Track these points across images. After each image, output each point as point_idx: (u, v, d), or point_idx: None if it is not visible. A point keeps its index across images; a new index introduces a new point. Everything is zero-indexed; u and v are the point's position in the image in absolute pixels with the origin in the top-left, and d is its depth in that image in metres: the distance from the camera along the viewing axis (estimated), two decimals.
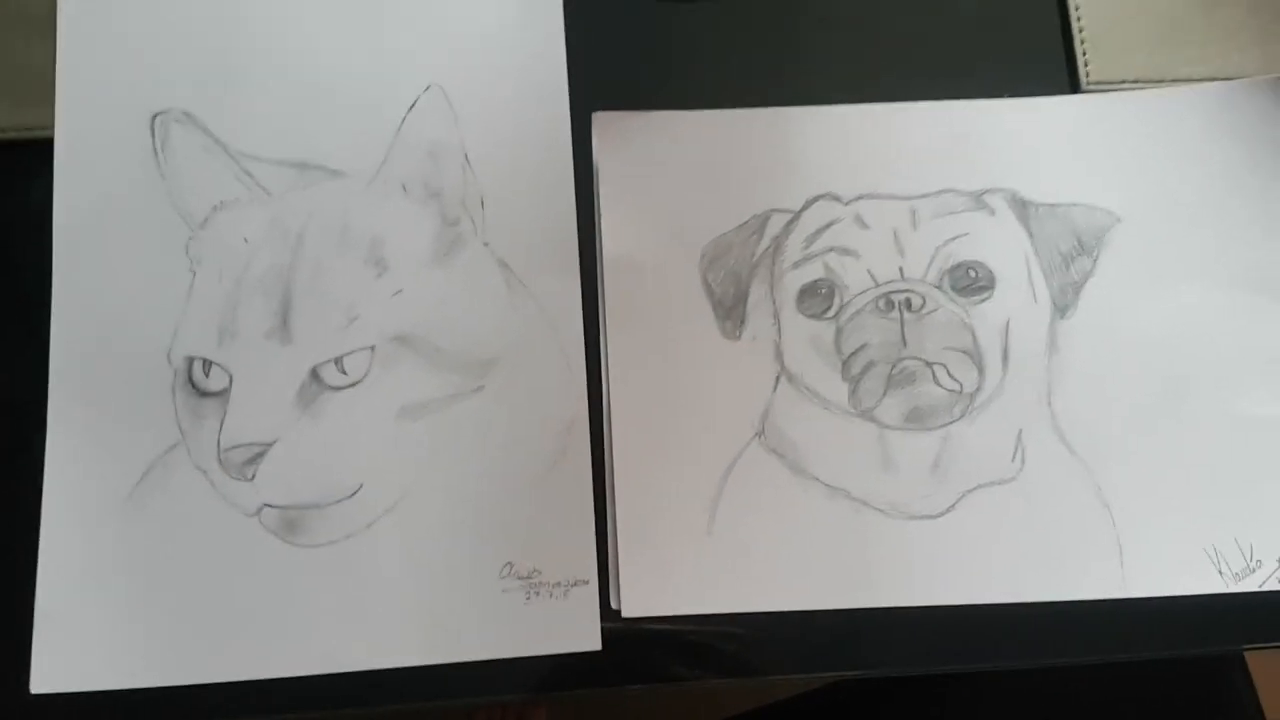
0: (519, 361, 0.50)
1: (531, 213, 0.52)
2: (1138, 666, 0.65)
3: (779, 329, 0.51)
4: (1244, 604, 0.48)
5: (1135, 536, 0.48)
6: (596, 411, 0.50)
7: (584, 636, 0.48)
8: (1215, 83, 0.53)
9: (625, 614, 0.48)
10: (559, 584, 0.48)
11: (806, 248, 0.51)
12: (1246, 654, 0.67)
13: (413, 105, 0.52)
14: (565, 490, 0.49)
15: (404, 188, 0.51)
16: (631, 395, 0.50)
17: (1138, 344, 0.50)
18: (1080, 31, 0.54)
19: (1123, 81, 0.53)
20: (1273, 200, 0.51)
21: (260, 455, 0.48)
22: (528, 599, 0.48)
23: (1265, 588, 0.48)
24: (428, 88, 0.52)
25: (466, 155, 0.52)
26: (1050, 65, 0.54)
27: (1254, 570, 0.48)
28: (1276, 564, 0.49)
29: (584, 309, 0.51)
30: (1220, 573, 0.48)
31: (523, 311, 0.51)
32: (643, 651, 0.49)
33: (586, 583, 0.48)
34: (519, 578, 0.48)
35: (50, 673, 0.47)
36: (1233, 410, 0.50)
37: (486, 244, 0.51)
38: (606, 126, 0.53)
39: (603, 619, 0.48)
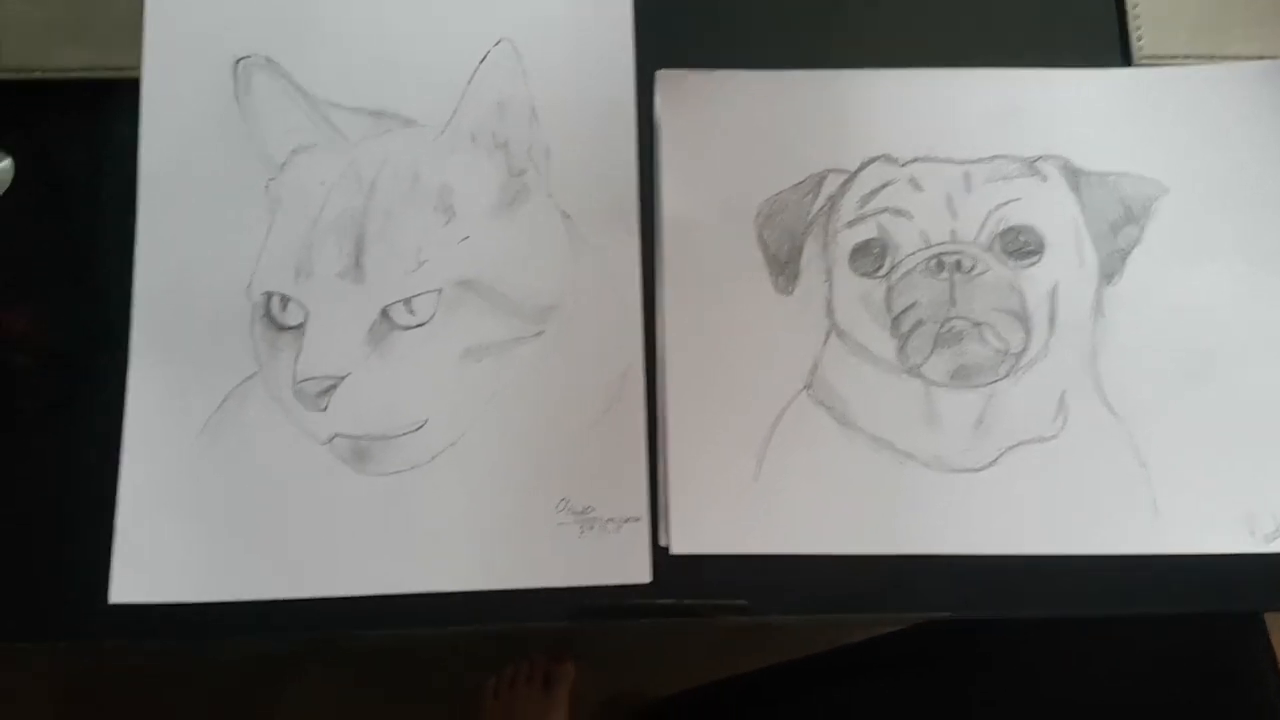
0: (578, 309, 0.52)
1: (594, 166, 0.54)
2: (1158, 631, 0.67)
3: (831, 286, 0.53)
4: (1274, 565, 0.50)
5: (1170, 495, 0.50)
6: (651, 359, 0.52)
7: (635, 569, 0.50)
8: (1265, 60, 0.54)
9: (674, 551, 0.50)
10: (612, 520, 0.50)
11: (861, 208, 0.53)
12: (1268, 621, 0.68)
13: (484, 58, 0.54)
14: (619, 433, 0.51)
15: (473, 138, 0.53)
16: (686, 347, 0.52)
17: (1181, 311, 0.51)
18: (1134, 6, 0.55)
19: (1174, 57, 0.54)
20: None
21: (333, 388, 0.51)
22: (581, 533, 0.50)
23: None
24: (498, 42, 0.54)
25: (534, 108, 0.54)
26: (1104, 39, 0.55)
27: None
28: None
29: (642, 261, 0.53)
30: (1251, 533, 0.50)
31: (583, 261, 0.53)
32: (689, 588, 0.51)
33: (638, 519, 0.50)
34: (574, 513, 0.50)
35: (128, 584, 0.50)
36: (1269, 381, 0.51)
37: (550, 195, 0.53)
38: (669, 85, 0.54)
39: (652, 555, 0.50)
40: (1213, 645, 0.67)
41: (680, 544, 0.51)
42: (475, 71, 0.54)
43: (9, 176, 0.54)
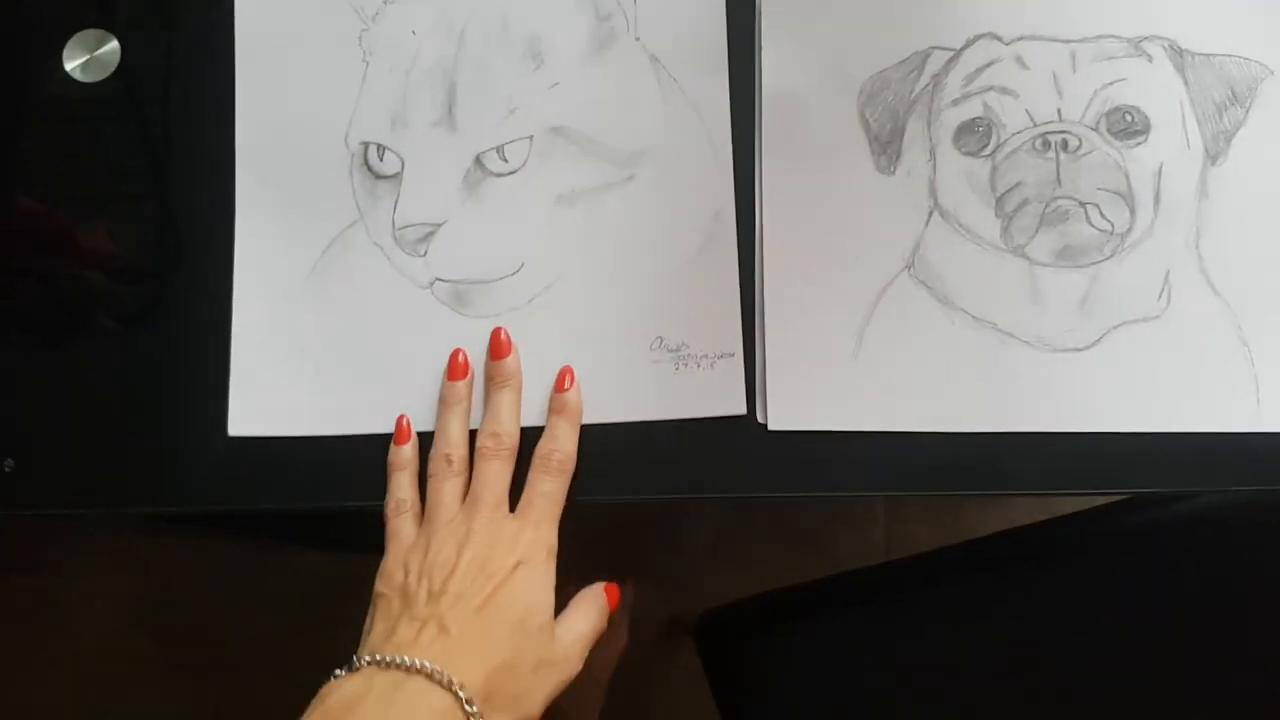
0: (668, 153, 0.53)
1: (681, 8, 0.53)
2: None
3: (934, 165, 0.52)
4: None
5: (1272, 374, 0.50)
6: (743, 202, 0.52)
7: (730, 402, 0.51)
8: None
9: (772, 428, 0.51)
10: (706, 356, 0.51)
11: (966, 86, 0.52)
12: None
13: None
14: (712, 273, 0.52)
15: None
16: (785, 223, 0.52)
17: None
18: None
19: None
20: None
21: (431, 234, 0.52)
22: (677, 369, 0.51)
23: None
24: None
25: None
26: None
27: None
28: None
29: (733, 105, 0.53)
30: None
31: (672, 105, 0.53)
32: (787, 466, 0.51)
33: (732, 355, 0.51)
34: (669, 350, 0.51)
35: (244, 418, 0.52)
36: None
37: (638, 39, 0.53)
38: None
39: (751, 435, 0.50)
40: None
41: (779, 420, 0.51)
42: None
43: (116, 58, 0.54)
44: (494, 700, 0.44)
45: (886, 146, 0.52)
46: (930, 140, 0.52)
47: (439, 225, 0.52)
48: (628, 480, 0.51)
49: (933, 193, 0.52)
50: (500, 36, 0.53)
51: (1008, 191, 0.51)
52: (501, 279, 0.52)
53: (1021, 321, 0.51)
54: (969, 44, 0.53)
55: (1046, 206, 0.51)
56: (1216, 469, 0.50)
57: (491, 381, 0.51)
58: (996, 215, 0.51)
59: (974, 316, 0.51)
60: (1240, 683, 0.66)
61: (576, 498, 0.50)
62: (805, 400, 0.51)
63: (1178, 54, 0.52)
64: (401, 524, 0.50)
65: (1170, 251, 0.51)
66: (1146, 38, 0.52)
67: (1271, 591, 0.67)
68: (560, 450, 0.50)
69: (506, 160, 0.52)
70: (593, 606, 0.50)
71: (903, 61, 0.53)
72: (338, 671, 0.44)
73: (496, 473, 0.49)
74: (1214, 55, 0.52)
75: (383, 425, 0.51)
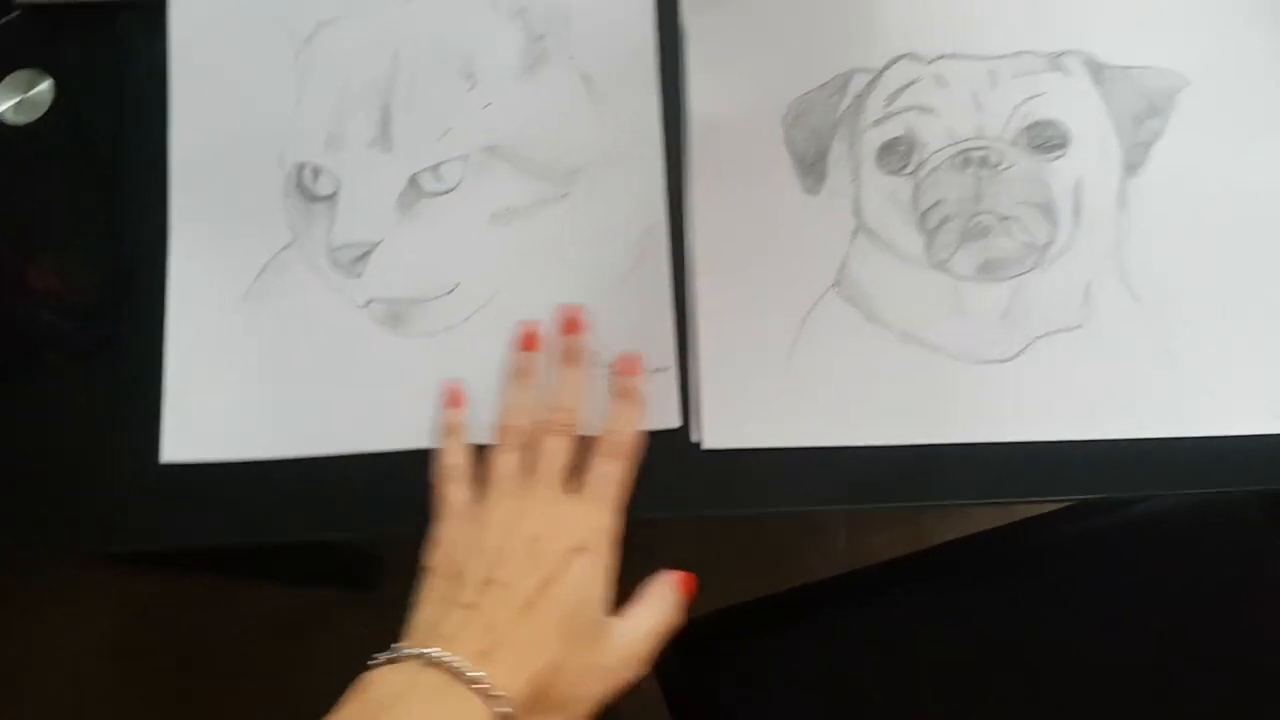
0: (601, 170, 0.54)
1: (612, 28, 0.55)
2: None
3: (858, 185, 0.53)
4: None
5: (1194, 379, 0.51)
6: (675, 219, 0.53)
7: (665, 416, 0.52)
8: None
9: (706, 446, 0.51)
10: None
11: (887, 106, 0.53)
12: None
13: None
14: (646, 288, 0.53)
15: (493, 5, 0.55)
16: (715, 245, 0.53)
17: (1203, 200, 0.52)
18: None
19: None
20: None
21: (367, 254, 0.53)
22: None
23: None
24: None
25: None
26: None
27: None
28: None
29: (665, 124, 0.54)
30: (1276, 415, 0.51)
31: (605, 123, 0.54)
32: (722, 485, 0.52)
33: (667, 369, 0.52)
34: (603, 366, 0.52)
35: (177, 445, 0.52)
36: None
37: (571, 58, 0.55)
38: None
39: (685, 455, 0.51)
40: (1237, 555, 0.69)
41: (713, 438, 0.52)
42: None
43: (49, 97, 0.55)
44: (536, 707, 0.43)
45: (812, 167, 0.54)
46: (854, 160, 0.53)
47: (375, 245, 0.53)
48: None
49: (858, 211, 0.53)
50: (434, 57, 0.54)
51: (930, 208, 0.52)
52: (438, 298, 0.53)
53: (947, 335, 0.52)
54: (889, 65, 0.54)
55: (968, 222, 0.52)
56: (1143, 474, 0.51)
57: (562, 356, 0.51)
58: (920, 232, 0.52)
59: (901, 332, 0.52)
60: (1193, 680, 0.66)
61: None
62: (738, 417, 0.52)
63: (1095, 68, 0.53)
64: (453, 490, 0.49)
65: (1091, 262, 0.52)
66: (1064, 52, 0.53)
67: (1209, 590, 0.67)
68: (623, 434, 0.49)
69: (441, 180, 0.53)
70: (661, 599, 0.47)
71: (825, 84, 0.54)
72: (377, 656, 0.43)
73: (558, 448, 0.49)
74: (1131, 68, 0.53)
75: (318, 448, 0.52)
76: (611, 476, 0.48)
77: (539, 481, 0.48)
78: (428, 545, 0.48)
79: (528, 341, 0.52)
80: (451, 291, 0.53)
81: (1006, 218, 0.52)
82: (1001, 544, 0.74)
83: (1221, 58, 0.53)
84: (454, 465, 0.50)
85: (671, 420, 0.52)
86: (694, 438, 0.52)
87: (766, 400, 0.52)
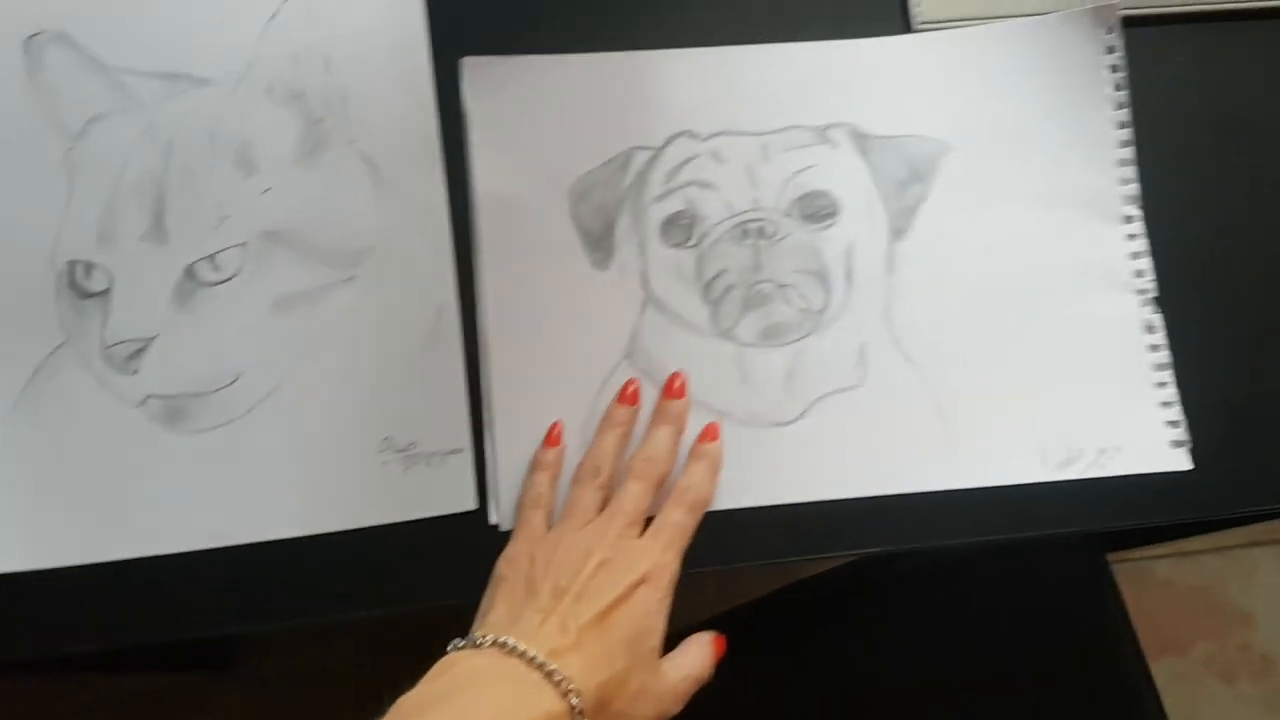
0: (388, 252, 0.54)
1: (393, 110, 0.55)
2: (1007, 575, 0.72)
3: (644, 258, 0.55)
4: (1067, 491, 0.54)
5: (965, 432, 0.54)
6: (465, 297, 0.54)
7: (461, 498, 0.52)
8: (1033, 16, 0.58)
9: (506, 528, 0.52)
10: (435, 453, 0.53)
11: (668, 182, 0.55)
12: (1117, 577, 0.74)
13: (274, 15, 0.55)
14: (437, 368, 0.53)
15: (268, 91, 0.55)
16: (506, 324, 0.54)
17: (966, 261, 0.55)
18: None
19: (950, 20, 0.58)
20: (1085, 124, 0.57)
21: (143, 350, 0.52)
22: (406, 469, 0.52)
23: (1085, 475, 0.54)
24: None
25: (327, 58, 0.55)
26: (885, 7, 0.58)
27: (1074, 460, 0.54)
28: (1096, 454, 0.54)
29: (452, 203, 0.55)
30: (1044, 463, 0.54)
31: (389, 204, 0.55)
32: None
33: (461, 451, 0.53)
34: (397, 450, 0.52)
35: None
36: (1051, 315, 0.55)
37: (351, 141, 0.55)
38: (476, 72, 0.56)
39: (483, 537, 0.52)
40: (1062, 585, 0.73)
41: (511, 521, 0.52)
42: (266, 27, 0.55)
43: None
44: (600, 714, 0.45)
45: (599, 243, 0.55)
46: (639, 235, 0.55)
47: (151, 340, 0.52)
48: (363, 593, 0.52)
49: (645, 284, 0.55)
50: (208, 145, 0.54)
51: (713, 279, 0.54)
52: (218, 390, 0.52)
53: (735, 401, 0.54)
54: (668, 142, 0.56)
55: (749, 291, 0.54)
56: (920, 527, 0.53)
57: (658, 415, 0.53)
58: (704, 302, 0.54)
59: (691, 399, 0.54)
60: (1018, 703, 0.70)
61: (298, 619, 0.51)
62: None
63: (860, 138, 0.56)
64: (534, 515, 0.51)
65: (864, 324, 0.54)
66: (831, 125, 0.56)
67: (1036, 621, 0.71)
68: (697, 489, 0.51)
69: (219, 269, 0.53)
70: (704, 651, 0.50)
71: (608, 161, 0.55)
72: (458, 642, 0.45)
73: (640, 492, 0.51)
74: (894, 137, 0.56)
75: (98, 554, 0.51)
76: (681, 525, 0.50)
77: (615, 517, 0.50)
78: (502, 558, 0.50)
79: (624, 397, 0.53)
80: (233, 383, 0.52)
81: (784, 285, 0.54)
82: (847, 580, 0.76)
83: (978, 125, 0.57)
84: (539, 494, 0.52)
85: (467, 503, 0.52)
86: (492, 520, 0.53)
87: (564, 478, 0.53)
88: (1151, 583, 1.27)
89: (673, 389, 0.53)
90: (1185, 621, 1.26)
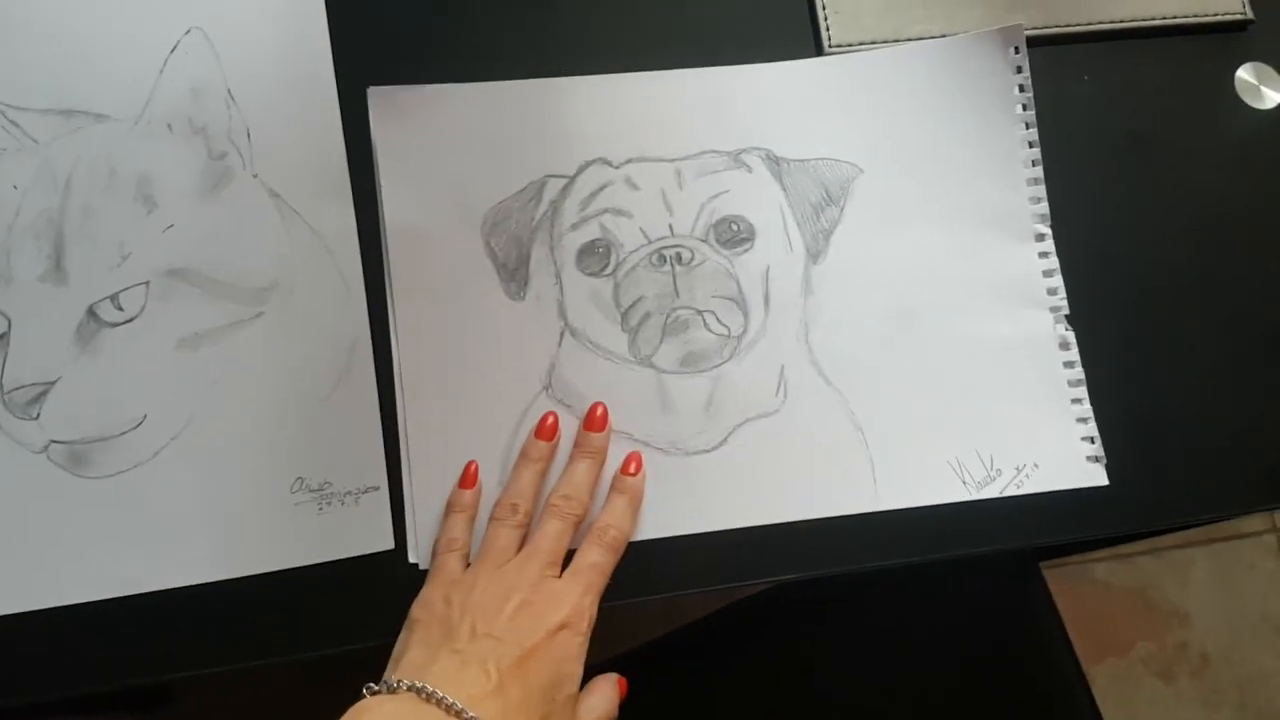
0: (297, 287, 0.53)
1: (298, 143, 0.54)
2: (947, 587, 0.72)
3: (561, 288, 0.54)
4: (986, 510, 0.54)
5: (886, 455, 0.54)
6: (378, 331, 0.53)
7: (378, 538, 0.51)
8: (940, 39, 0.58)
9: (424, 567, 0.51)
10: (350, 492, 0.51)
11: (582, 210, 0.55)
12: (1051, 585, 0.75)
13: (174, 48, 0.54)
14: (351, 406, 0.52)
15: (169, 126, 0.53)
16: (421, 357, 0.53)
17: (881, 281, 0.55)
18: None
19: (861, 43, 0.58)
20: (995, 144, 0.57)
21: (44, 394, 0.50)
22: (320, 509, 0.51)
23: (1005, 494, 0.54)
24: (189, 30, 0.54)
25: (230, 91, 0.54)
26: (796, 31, 0.58)
27: (994, 479, 0.55)
28: (1014, 471, 0.55)
29: (362, 236, 0.54)
30: (964, 483, 0.54)
31: (297, 238, 0.54)
32: None
33: (377, 489, 0.52)
34: (310, 490, 0.51)
35: None
36: (967, 335, 0.55)
37: (256, 175, 0.54)
38: (382, 102, 0.55)
39: (401, 576, 0.51)
40: (999, 594, 0.73)
41: (429, 559, 0.51)
42: (166, 61, 0.54)
43: None
44: None
45: (514, 273, 0.54)
46: (555, 264, 0.54)
47: (52, 384, 0.50)
48: (281, 637, 0.50)
49: (562, 314, 0.54)
50: (108, 182, 0.52)
51: (631, 306, 0.54)
52: (123, 434, 0.51)
53: (656, 430, 0.53)
54: (581, 170, 0.55)
55: (667, 318, 0.54)
56: (842, 551, 0.53)
57: (577, 448, 0.52)
58: (623, 330, 0.54)
59: (612, 430, 0.53)
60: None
61: (216, 666, 0.49)
62: None
63: (774, 162, 0.56)
64: (449, 559, 0.50)
65: (783, 348, 0.54)
66: (745, 150, 0.56)
67: (916, 644, 0.72)
68: (617, 527, 0.50)
69: (122, 309, 0.51)
70: (609, 693, 0.50)
71: (520, 191, 0.55)
72: (372, 686, 0.44)
73: (559, 532, 0.50)
74: (807, 160, 0.56)
75: (5, 606, 0.49)
76: (600, 565, 0.50)
77: (533, 557, 0.49)
78: (417, 603, 0.48)
79: (541, 430, 0.52)
80: (138, 426, 0.51)
81: (702, 311, 0.54)
82: (779, 600, 0.76)
83: (889, 147, 0.57)
84: (455, 539, 0.50)
85: (385, 542, 0.51)
86: (411, 558, 0.52)
87: (483, 514, 0.52)
88: (1091, 585, 1.29)
89: (594, 420, 0.53)
90: (1125, 622, 1.28)
